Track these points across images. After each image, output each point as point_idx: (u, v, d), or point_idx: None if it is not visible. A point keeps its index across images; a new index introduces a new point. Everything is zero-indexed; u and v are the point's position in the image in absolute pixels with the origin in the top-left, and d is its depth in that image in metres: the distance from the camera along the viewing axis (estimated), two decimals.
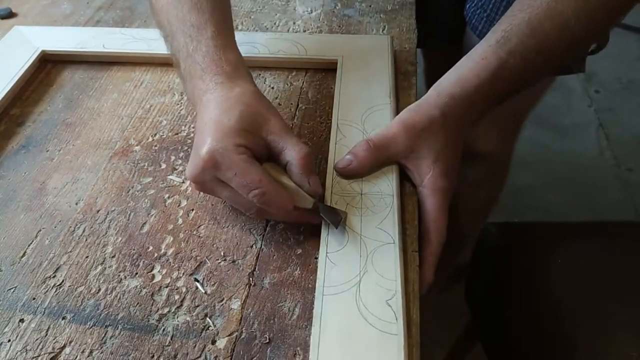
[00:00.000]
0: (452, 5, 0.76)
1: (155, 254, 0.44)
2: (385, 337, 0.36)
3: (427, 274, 0.44)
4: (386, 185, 0.46)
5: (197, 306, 0.40)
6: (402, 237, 0.43)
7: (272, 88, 0.59)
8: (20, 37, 0.64)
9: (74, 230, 0.46)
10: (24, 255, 0.44)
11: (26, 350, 0.38)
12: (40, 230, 0.46)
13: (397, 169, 0.47)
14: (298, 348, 0.37)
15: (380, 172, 0.47)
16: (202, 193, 0.48)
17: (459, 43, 0.78)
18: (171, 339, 0.38)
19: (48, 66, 0.63)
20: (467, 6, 0.71)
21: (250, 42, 0.61)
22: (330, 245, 0.42)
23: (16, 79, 0.58)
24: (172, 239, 0.45)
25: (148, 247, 0.44)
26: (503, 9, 0.64)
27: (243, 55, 0.47)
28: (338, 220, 0.42)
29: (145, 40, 0.63)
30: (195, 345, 0.38)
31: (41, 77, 0.62)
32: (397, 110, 0.53)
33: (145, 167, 0.51)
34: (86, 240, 0.45)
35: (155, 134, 0.54)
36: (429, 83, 0.96)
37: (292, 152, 0.42)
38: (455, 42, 0.79)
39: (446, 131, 0.47)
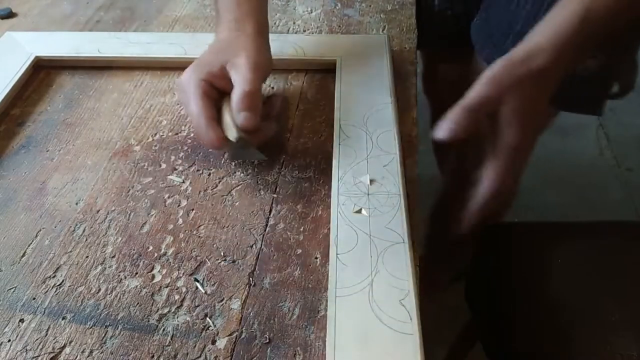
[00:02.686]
0: (452, 13, 0.76)
1: (155, 254, 0.44)
2: (400, 337, 0.36)
3: (468, 216, 0.43)
4: (392, 185, 0.46)
5: (197, 306, 0.40)
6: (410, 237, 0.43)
7: (272, 88, 0.59)
8: (13, 43, 0.63)
9: (74, 230, 0.46)
10: (24, 255, 0.44)
11: (26, 350, 0.38)
12: (40, 230, 0.46)
13: (401, 167, 0.47)
14: (298, 348, 0.37)
15: (386, 171, 0.47)
16: (202, 193, 0.48)
17: (459, 44, 0.78)
18: (171, 339, 0.38)
19: (42, 72, 0.62)
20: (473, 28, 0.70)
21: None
22: (340, 246, 0.42)
23: (11, 85, 0.57)
24: (172, 239, 0.45)
25: (148, 247, 0.44)
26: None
27: None
28: (249, 154, 0.47)
29: (141, 44, 0.63)
30: (195, 345, 0.38)
31: (41, 77, 0.62)
32: (399, 110, 0.54)
33: (145, 167, 0.51)
34: (86, 240, 0.45)
35: (155, 134, 0.54)
36: (426, 86, 0.96)
37: (237, 89, 0.46)
38: (456, 44, 0.79)
39: (533, 88, 0.44)
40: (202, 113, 0.45)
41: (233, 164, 0.51)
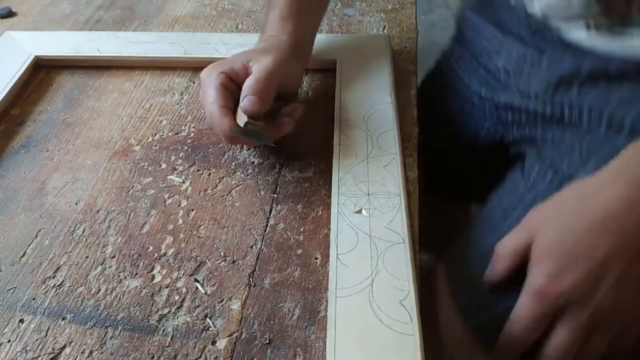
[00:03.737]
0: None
1: (155, 254, 0.44)
2: (401, 337, 0.36)
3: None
4: (392, 185, 0.46)
5: (197, 307, 0.40)
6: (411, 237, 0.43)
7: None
8: (13, 42, 0.63)
9: (74, 230, 0.46)
10: (24, 255, 0.44)
11: (26, 350, 0.38)
12: (40, 230, 0.46)
13: (402, 167, 0.47)
14: (298, 348, 0.37)
15: (386, 171, 0.47)
16: (202, 193, 0.48)
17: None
18: (171, 339, 0.38)
19: (42, 72, 0.62)
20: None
21: (248, 44, 0.61)
22: (340, 246, 0.42)
23: (11, 84, 0.57)
24: (172, 239, 0.45)
25: (148, 248, 0.44)
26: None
27: None
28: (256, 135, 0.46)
29: (140, 44, 0.63)
30: (195, 346, 0.38)
31: (41, 76, 0.61)
32: (399, 110, 0.53)
33: (145, 167, 0.51)
34: (86, 240, 0.45)
35: (155, 134, 0.54)
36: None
37: (250, 77, 0.46)
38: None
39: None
40: (215, 102, 0.45)
41: (233, 164, 0.51)
